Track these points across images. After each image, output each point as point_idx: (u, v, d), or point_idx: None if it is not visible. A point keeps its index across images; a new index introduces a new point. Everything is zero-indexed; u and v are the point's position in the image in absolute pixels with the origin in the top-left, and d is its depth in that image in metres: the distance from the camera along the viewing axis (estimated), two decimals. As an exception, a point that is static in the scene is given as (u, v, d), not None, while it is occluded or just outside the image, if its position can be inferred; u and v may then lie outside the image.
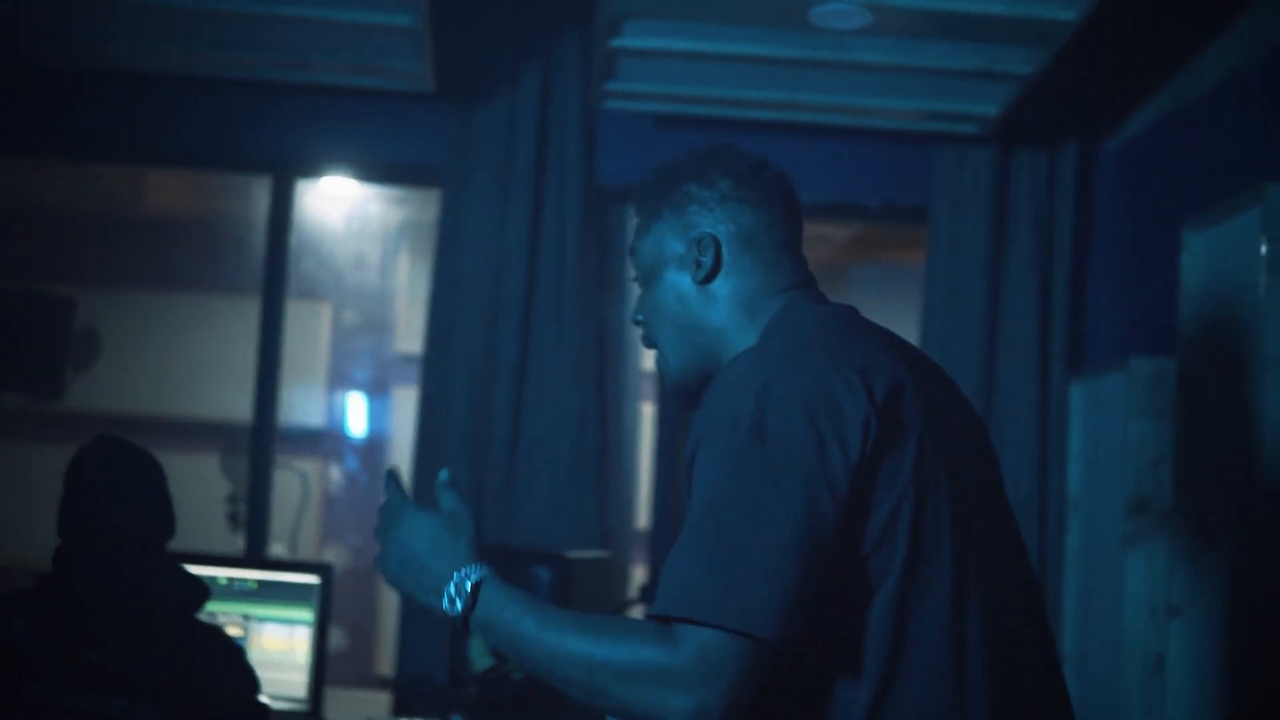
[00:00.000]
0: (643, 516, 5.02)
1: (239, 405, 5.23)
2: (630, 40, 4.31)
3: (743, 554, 1.88)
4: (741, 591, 1.86)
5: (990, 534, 2.10)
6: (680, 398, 2.33)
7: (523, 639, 1.97)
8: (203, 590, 3.20)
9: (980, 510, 2.09)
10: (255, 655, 3.98)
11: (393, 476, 2.21)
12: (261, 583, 4.04)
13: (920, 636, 1.97)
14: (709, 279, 2.23)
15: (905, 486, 1.97)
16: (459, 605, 2.02)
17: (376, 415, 7.10)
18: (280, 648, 4.03)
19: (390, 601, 6.16)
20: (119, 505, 3.12)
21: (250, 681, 3.20)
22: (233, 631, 3.98)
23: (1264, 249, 3.39)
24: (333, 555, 6.72)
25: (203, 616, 3.42)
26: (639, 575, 4.98)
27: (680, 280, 2.25)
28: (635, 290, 2.38)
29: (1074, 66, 4.54)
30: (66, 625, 3.06)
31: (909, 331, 4.35)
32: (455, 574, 2.04)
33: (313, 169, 5.10)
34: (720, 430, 1.96)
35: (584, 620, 1.95)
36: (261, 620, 4.04)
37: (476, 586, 2.02)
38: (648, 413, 5.07)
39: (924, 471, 1.99)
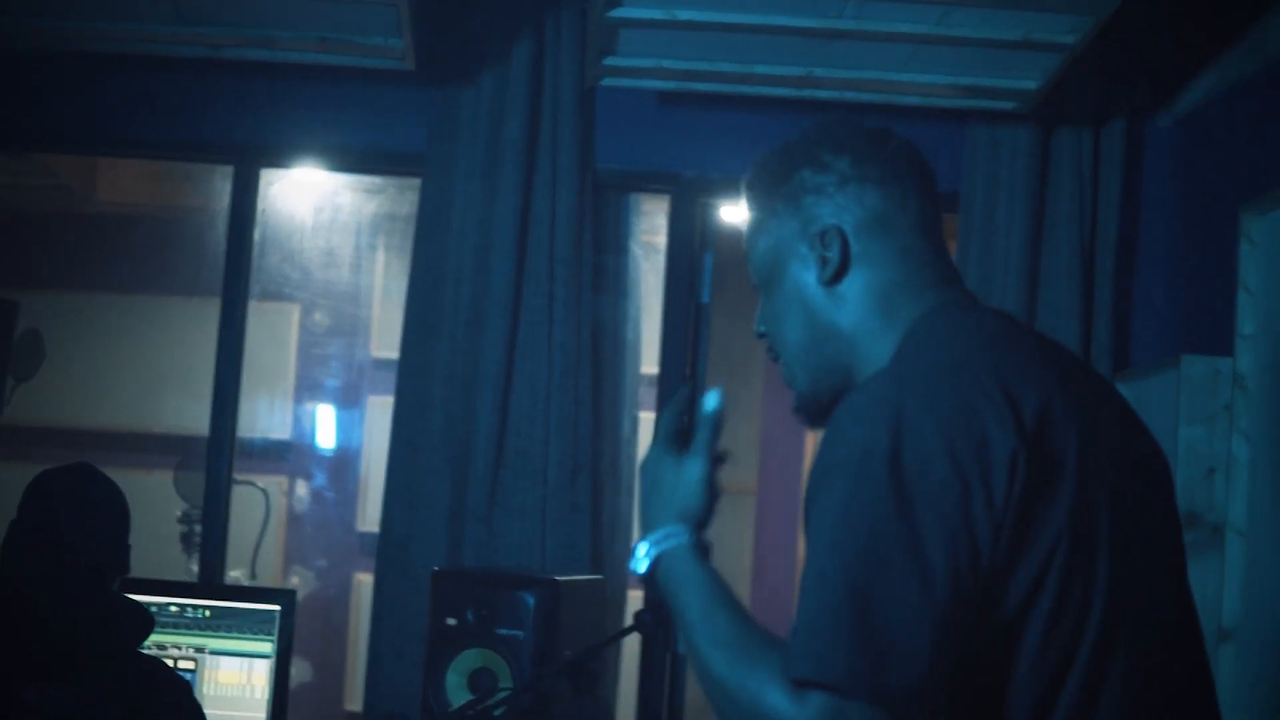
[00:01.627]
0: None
1: (197, 417, 5.19)
2: (631, 10, 4.28)
3: (877, 615, 1.80)
4: (878, 660, 1.79)
5: (1150, 582, 2.03)
6: (810, 415, 2.26)
7: (684, 628, 2.02)
8: (147, 621, 3.21)
9: (1141, 554, 2.01)
10: (209, 691, 3.98)
11: (684, 392, 2.28)
12: (216, 611, 4.05)
13: (1057, 701, 1.91)
14: (837, 277, 2.17)
15: (1060, 530, 1.90)
16: (642, 569, 2.12)
17: (348, 427, 7.01)
18: (237, 683, 4.02)
19: (360, 631, 6.11)
20: (83, 538, 3.17)
21: (197, 720, 3.18)
22: (184, 666, 3.99)
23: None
24: (297, 580, 6.68)
25: (149, 649, 3.44)
26: (635, 600, 4.91)
27: (804, 282, 2.19)
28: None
29: (1122, 35, 4.49)
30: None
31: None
32: (652, 534, 2.12)
33: (279, 157, 5.07)
34: (848, 465, 1.89)
35: (733, 636, 1.95)
36: (216, 653, 4.03)
37: (656, 561, 2.10)
38: (647, 421, 4.98)
39: (1082, 510, 1.92)
